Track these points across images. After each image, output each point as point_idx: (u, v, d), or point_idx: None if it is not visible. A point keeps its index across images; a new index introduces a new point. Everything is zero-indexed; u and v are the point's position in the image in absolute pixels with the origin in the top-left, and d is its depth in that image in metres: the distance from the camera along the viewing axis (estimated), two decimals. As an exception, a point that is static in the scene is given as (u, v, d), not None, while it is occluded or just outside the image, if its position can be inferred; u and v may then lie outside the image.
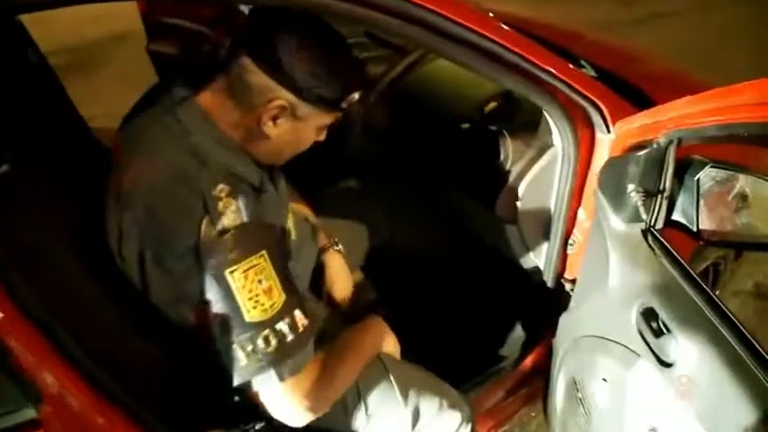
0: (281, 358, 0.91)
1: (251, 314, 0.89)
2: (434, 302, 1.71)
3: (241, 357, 0.90)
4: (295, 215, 1.22)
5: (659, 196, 1.08)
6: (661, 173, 1.06)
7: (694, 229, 1.14)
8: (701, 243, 1.14)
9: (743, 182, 1.09)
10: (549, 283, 1.49)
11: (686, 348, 0.95)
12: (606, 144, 1.29)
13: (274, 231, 1.00)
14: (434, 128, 1.65)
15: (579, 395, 1.25)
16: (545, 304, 1.53)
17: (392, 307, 1.47)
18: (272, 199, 1.04)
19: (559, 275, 1.47)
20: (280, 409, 0.97)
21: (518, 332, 1.68)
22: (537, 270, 1.52)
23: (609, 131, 1.27)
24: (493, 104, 1.52)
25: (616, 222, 1.15)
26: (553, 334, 1.58)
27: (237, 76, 0.96)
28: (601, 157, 1.31)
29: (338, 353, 1.12)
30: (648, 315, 1.07)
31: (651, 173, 1.06)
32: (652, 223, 1.09)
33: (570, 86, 1.24)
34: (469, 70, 1.19)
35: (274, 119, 0.98)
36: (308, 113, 0.99)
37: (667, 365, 1.00)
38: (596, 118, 1.28)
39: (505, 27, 1.14)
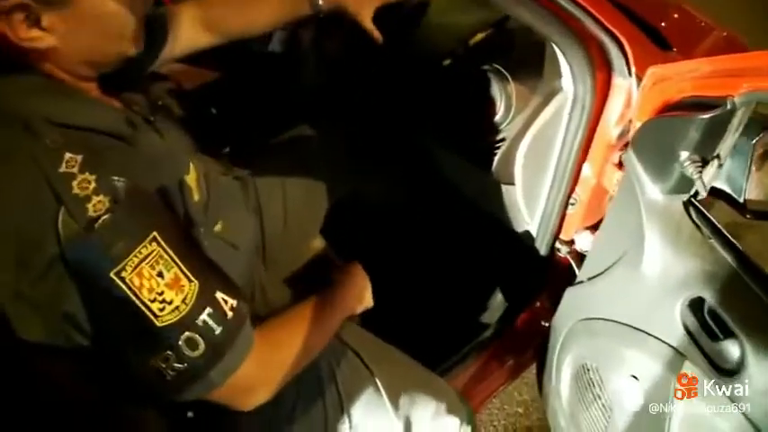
0: (215, 358, 0.72)
1: (161, 318, 0.67)
2: (406, 266, 1.49)
3: (165, 372, 0.69)
4: (204, 168, 0.92)
5: (712, 163, 0.89)
6: (721, 138, 0.86)
7: (740, 200, 0.98)
8: (747, 216, 0.98)
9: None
10: (542, 244, 1.30)
11: (756, 358, 0.79)
12: (624, 90, 1.07)
13: (164, 195, 0.75)
14: (406, 62, 1.36)
15: (594, 386, 1.10)
16: (534, 266, 1.35)
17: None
18: (154, 145, 0.80)
19: (555, 236, 1.28)
20: (227, 404, 0.79)
21: (502, 297, 1.51)
22: (526, 229, 1.33)
23: (630, 75, 1.05)
24: (480, 36, 1.25)
25: (654, 192, 0.94)
26: (543, 299, 1.42)
27: None
28: (616, 104, 1.10)
29: (296, 319, 0.91)
30: (697, 308, 0.90)
31: (711, 138, 0.86)
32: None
33: (593, 17, 1.00)
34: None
35: (36, 23, 0.68)
36: None
37: (727, 374, 0.84)
38: (617, 59, 1.05)
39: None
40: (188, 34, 1.09)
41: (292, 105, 1.51)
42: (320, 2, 1.11)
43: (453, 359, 1.34)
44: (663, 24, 1.26)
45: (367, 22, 1.14)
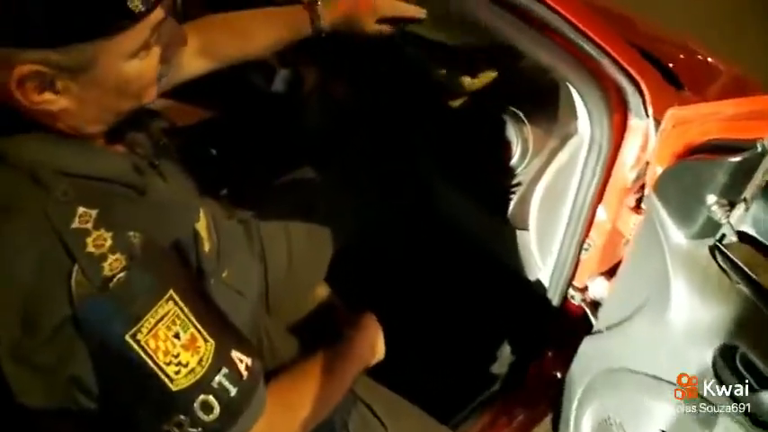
0: (229, 421, 0.68)
1: (176, 382, 0.64)
2: (413, 312, 1.44)
3: None
4: (211, 212, 0.89)
5: (739, 206, 0.86)
6: (749, 181, 0.84)
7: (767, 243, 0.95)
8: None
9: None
10: (555, 291, 1.25)
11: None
12: (640, 132, 1.05)
13: (178, 247, 0.72)
14: (413, 102, 1.34)
15: (618, 441, 1.04)
16: (547, 314, 1.30)
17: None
18: (160, 191, 0.76)
19: (568, 283, 1.24)
20: None
21: (512, 347, 1.45)
22: (538, 276, 1.29)
23: (647, 116, 1.04)
24: (493, 76, 1.22)
25: (678, 237, 0.91)
26: (554, 347, 1.37)
27: None
28: (633, 147, 1.07)
29: (309, 377, 0.86)
30: (729, 357, 0.86)
31: (739, 181, 0.83)
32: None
33: (610, 57, 0.99)
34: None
35: (50, 86, 0.63)
36: (89, 58, 0.63)
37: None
38: (634, 100, 1.03)
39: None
40: (186, 61, 1.04)
41: (295, 147, 1.48)
42: (322, 22, 1.08)
43: (463, 413, 1.27)
44: (671, 64, 1.25)
45: (369, 28, 1.11)
